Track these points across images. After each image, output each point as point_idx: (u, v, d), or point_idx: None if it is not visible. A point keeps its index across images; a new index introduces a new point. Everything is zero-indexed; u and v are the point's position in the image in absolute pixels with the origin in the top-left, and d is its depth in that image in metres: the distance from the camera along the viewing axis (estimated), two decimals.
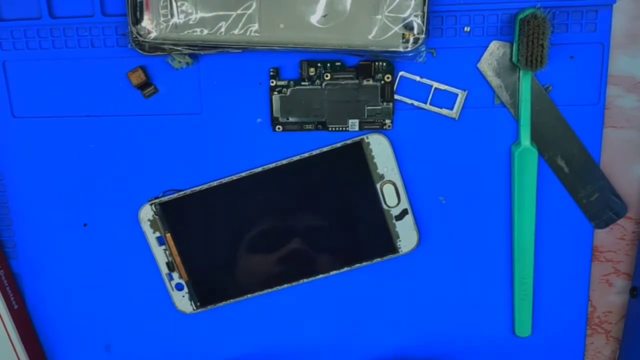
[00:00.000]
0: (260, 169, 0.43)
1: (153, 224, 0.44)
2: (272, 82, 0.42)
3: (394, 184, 0.42)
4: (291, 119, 0.42)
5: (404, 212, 0.42)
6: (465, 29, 0.41)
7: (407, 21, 0.39)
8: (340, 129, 0.42)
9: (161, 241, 0.45)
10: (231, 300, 0.46)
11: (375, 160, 0.42)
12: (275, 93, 0.42)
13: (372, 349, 0.47)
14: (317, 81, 0.42)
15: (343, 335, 0.46)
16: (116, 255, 0.46)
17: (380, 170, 0.42)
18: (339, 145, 0.42)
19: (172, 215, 0.44)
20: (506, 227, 0.44)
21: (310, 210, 0.43)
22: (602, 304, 0.48)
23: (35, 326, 0.49)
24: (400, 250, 0.43)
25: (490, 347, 0.46)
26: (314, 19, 0.39)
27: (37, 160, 0.45)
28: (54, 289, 0.47)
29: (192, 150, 0.44)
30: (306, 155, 0.42)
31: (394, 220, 0.42)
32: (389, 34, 0.39)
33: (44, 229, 0.46)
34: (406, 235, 0.43)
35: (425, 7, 0.38)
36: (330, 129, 0.42)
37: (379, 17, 0.39)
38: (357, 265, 0.44)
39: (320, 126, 0.42)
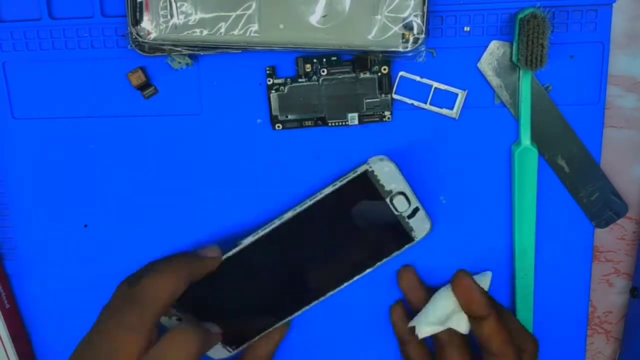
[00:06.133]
0: (268, 230, 0.41)
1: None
2: (269, 81, 0.42)
3: (404, 193, 0.40)
4: (290, 117, 0.42)
5: (415, 210, 0.41)
6: (465, 28, 0.41)
7: (406, 21, 0.39)
8: (340, 123, 0.42)
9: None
10: (266, 332, 0.44)
11: (381, 182, 0.40)
12: (273, 91, 0.42)
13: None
14: (314, 77, 0.42)
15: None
16: (117, 256, 0.46)
17: (387, 188, 0.40)
18: (345, 182, 0.40)
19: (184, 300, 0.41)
20: (506, 227, 0.44)
21: (327, 248, 0.42)
22: (603, 304, 0.48)
23: (30, 329, 0.49)
24: (415, 238, 0.42)
25: None
26: (314, 19, 0.39)
27: (37, 162, 0.45)
28: (52, 290, 0.47)
29: (192, 150, 0.44)
30: (309, 203, 0.41)
31: (406, 220, 0.41)
32: (389, 34, 0.39)
33: (44, 230, 0.46)
34: (419, 226, 0.41)
35: (425, 7, 0.38)
36: (330, 124, 0.42)
37: (379, 17, 0.39)
38: (379, 263, 0.42)
39: (319, 122, 0.42)
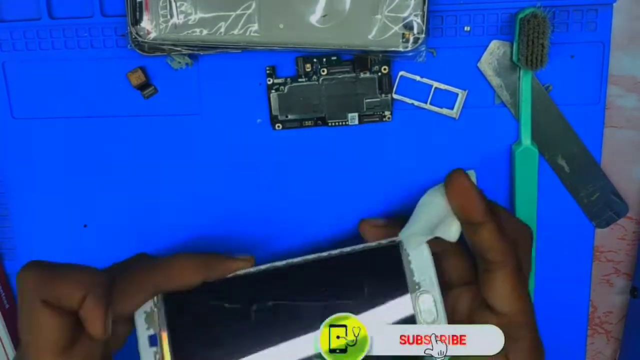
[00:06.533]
0: (284, 262, 0.36)
1: (149, 318, 0.36)
2: (269, 81, 0.42)
3: (433, 297, 0.35)
4: (290, 117, 0.42)
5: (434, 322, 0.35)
6: (465, 28, 0.41)
7: (406, 21, 0.39)
8: (340, 123, 0.42)
9: (154, 341, 0.36)
10: None
11: (412, 266, 0.35)
12: (273, 91, 0.42)
13: None
14: (314, 77, 0.42)
15: None
16: (117, 256, 0.46)
17: (416, 278, 0.35)
18: (373, 245, 0.36)
19: (173, 309, 0.36)
20: None
21: (332, 311, 0.36)
22: (603, 304, 0.48)
23: None
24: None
25: None
26: (314, 19, 0.39)
27: (36, 161, 0.45)
28: None
29: (192, 150, 0.44)
30: (335, 252, 0.36)
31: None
32: (389, 33, 0.39)
33: (43, 230, 0.46)
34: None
35: (425, 7, 0.38)
36: (329, 124, 0.42)
37: (379, 17, 0.39)
38: None
39: (319, 122, 0.42)
